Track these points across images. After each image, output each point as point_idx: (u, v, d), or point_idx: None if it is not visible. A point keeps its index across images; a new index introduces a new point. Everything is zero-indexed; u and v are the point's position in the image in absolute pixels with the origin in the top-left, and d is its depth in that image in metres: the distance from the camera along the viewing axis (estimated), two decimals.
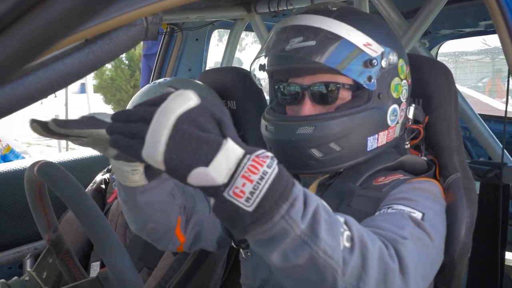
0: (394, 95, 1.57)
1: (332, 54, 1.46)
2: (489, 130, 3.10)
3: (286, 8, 2.88)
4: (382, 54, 1.52)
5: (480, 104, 6.07)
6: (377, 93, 1.53)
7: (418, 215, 1.33)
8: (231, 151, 0.89)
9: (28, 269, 1.53)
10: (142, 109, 0.91)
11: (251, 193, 0.88)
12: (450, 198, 1.61)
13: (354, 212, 1.33)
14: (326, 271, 0.97)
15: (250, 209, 0.88)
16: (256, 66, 1.70)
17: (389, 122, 1.57)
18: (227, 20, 3.45)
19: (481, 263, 2.21)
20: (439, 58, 4.09)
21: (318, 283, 1.00)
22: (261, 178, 0.89)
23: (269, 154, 0.92)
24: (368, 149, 1.55)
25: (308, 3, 2.76)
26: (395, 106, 1.58)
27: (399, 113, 1.60)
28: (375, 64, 1.50)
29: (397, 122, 1.60)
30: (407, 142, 1.68)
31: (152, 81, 3.47)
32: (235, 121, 2.50)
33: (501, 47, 1.62)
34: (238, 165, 0.89)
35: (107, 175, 2.77)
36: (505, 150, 2.32)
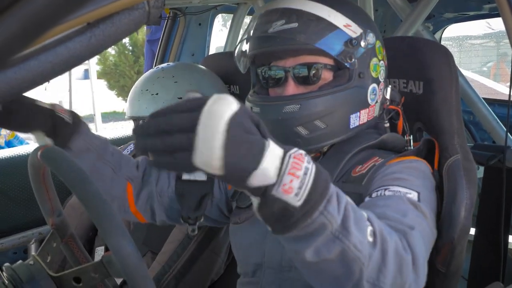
0: (373, 74, 1.62)
1: (314, 34, 1.51)
2: (493, 114, 3.09)
3: None
4: (361, 34, 1.57)
5: (485, 88, 6.06)
6: (357, 72, 1.58)
7: (414, 195, 1.36)
8: (273, 150, 0.91)
9: (32, 253, 1.54)
10: (177, 118, 0.88)
11: (299, 188, 0.91)
12: (450, 179, 1.62)
13: None
14: (355, 264, 1.00)
15: (298, 204, 0.91)
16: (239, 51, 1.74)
17: (369, 100, 1.62)
18: (230, 5, 3.44)
19: (484, 246, 2.22)
20: (443, 43, 4.07)
21: (344, 277, 1.03)
22: (305, 173, 0.92)
23: (302, 151, 0.95)
24: (351, 127, 1.60)
25: None
26: (375, 85, 1.63)
27: (378, 92, 1.65)
28: (355, 44, 1.55)
29: (377, 101, 1.66)
30: (386, 121, 1.73)
31: (155, 66, 3.47)
32: None
33: (505, 30, 1.62)
34: (282, 163, 0.91)
35: None
36: (508, 134, 2.31)
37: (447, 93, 1.69)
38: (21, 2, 0.47)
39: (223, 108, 0.87)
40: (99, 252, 2.49)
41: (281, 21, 1.52)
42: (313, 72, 1.57)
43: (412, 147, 1.68)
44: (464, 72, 3.54)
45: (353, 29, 1.55)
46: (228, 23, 3.55)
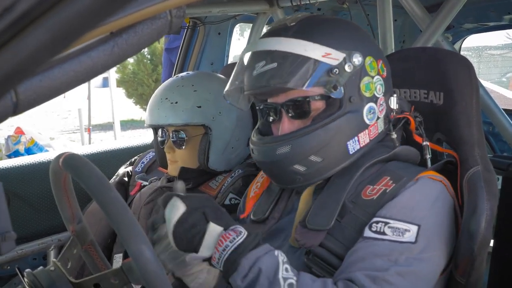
0: (367, 94, 1.60)
1: (292, 73, 1.51)
2: None
3: (308, 2, 2.88)
4: (344, 59, 1.54)
5: (504, 99, 6.02)
6: (347, 98, 1.56)
7: (412, 232, 1.43)
8: (211, 233, 1.37)
9: (53, 259, 1.55)
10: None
11: (218, 259, 1.36)
12: (470, 191, 1.61)
13: (343, 231, 1.51)
14: None
15: (219, 268, 1.38)
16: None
17: (367, 121, 1.60)
18: (249, 14, 3.45)
19: (503, 258, 2.20)
20: (462, 53, 4.06)
21: None
22: (224, 249, 1.35)
23: (240, 229, 1.38)
24: (351, 152, 1.59)
25: None
26: (371, 104, 1.61)
27: (377, 109, 1.63)
28: (337, 72, 1.53)
29: (378, 118, 1.63)
30: (393, 133, 1.70)
31: (174, 74, 3.49)
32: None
33: None
34: (217, 239, 1.37)
35: (129, 168, 2.78)
36: None
37: (468, 104, 1.68)
38: (49, 12, 0.48)
39: (172, 214, 1.38)
40: (117, 259, 2.49)
41: (262, 62, 1.55)
42: (302, 106, 1.58)
43: (429, 153, 1.71)
44: (483, 82, 3.53)
45: (333, 57, 1.53)
46: (245, 33, 3.56)
